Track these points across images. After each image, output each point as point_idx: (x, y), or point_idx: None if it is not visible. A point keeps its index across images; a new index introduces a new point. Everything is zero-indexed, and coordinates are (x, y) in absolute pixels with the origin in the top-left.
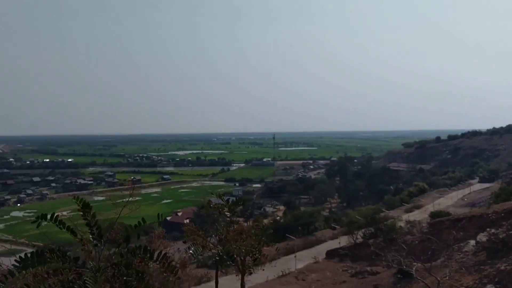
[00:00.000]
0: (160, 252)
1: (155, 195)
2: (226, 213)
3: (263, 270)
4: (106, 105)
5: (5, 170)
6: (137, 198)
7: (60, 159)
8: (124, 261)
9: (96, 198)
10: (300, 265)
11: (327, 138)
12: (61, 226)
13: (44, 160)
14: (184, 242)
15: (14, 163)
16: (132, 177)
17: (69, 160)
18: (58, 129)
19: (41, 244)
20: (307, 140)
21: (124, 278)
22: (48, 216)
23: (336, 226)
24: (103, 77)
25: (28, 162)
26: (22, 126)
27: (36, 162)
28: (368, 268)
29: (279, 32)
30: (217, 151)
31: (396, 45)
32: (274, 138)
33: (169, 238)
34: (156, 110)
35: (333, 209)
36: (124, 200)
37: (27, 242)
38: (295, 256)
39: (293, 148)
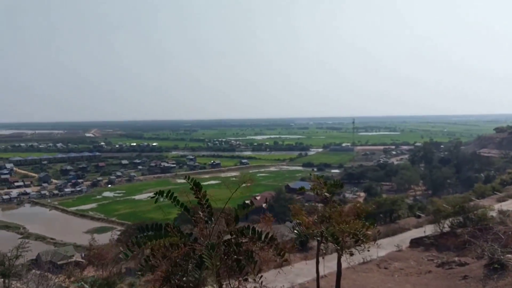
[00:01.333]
0: (268, 233)
1: (234, 179)
2: (325, 194)
3: (368, 251)
4: (188, 91)
5: (97, 153)
6: (217, 182)
7: (145, 143)
8: (235, 240)
9: (178, 181)
10: (382, 253)
11: (410, 123)
12: (175, 202)
13: (131, 144)
14: (291, 222)
15: (105, 146)
16: (212, 161)
17: (154, 144)
18: (143, 115)
19: (130, 223)
20: (389, 125)
21: (235, 256)
22: (165, 193)
23: (421, 214)
24: (185, 66)
25: (117, 146)
26: (111, 112)
27: (124, 146)
28: (456, 259)
29: (362, 15)
30: (294, 136)
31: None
32: (353, 122)
33: (247, 221)
34: (235, 95)
35: (417, 197)
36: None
37: (117, 220)
38: (377, 244)
39: (374, 133)
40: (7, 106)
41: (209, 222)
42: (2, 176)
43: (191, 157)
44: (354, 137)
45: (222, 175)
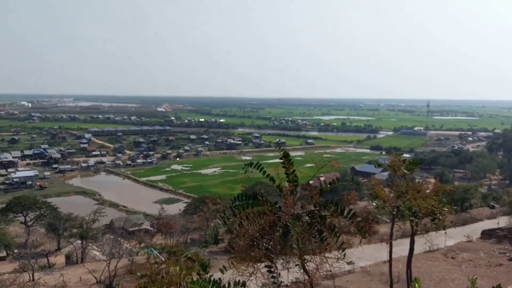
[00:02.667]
0: (350, 209)
1: (298, 158)
2: (404, 170)
3: (445, 233)
4: (256, 69)
5: (167, 127)
6: (282, 160)
7: (213, 120)
8: (318, 212)
9: (243, 158)
10: (450, 243)
11: (490, 108)
12: (263, 173)
13: (200, 119)
14: (370, 194)
15: (175, 121)
16: (277, 140)
17: (221, 120)
18: (212, 91)
19: (196, 196)
20: (466, 109)
21: (318, 227)
22: (254, 164)
23: (495, 205)
24: (254, 44)
25: (186, 121)
26: (182, 88)
27: (193, 121)
28: None
29: None
30: (363, 118)
31: None
32: (428, 105)
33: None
34: (303, 74)
35: (492, 186)
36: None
37: (184, 193)
38: (445, 233)
39: (449, 117)
40: (86, 78)
41: (294, 193)
42: (81, 145)
43: (256, 135)
44: (428, 121)
45: None
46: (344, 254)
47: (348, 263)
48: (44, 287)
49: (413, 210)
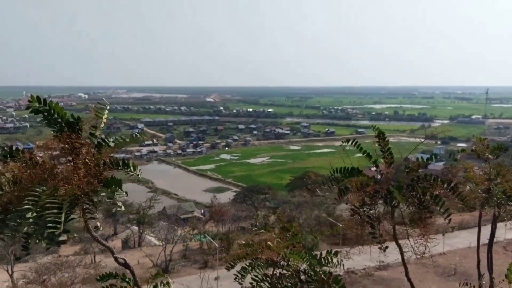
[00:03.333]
0: (451, 181)
1: (347, 148)
2: (489, 156)
3: (505, 225)
4: (305, 57)
5: (216, 117)
6: (331, 150)
7: (261, 109)
8: (417, 185)
9: (292, 147)
10: (510, 235)
11: None
12: (360, 149)
13: (248, 109)
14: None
15: (223, 111)
16: (327, 129)
17: (269, 110)
18: (260, 81)
19: (244, 185)
20: None
21: (420, 196)
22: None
23: None
24: (304, 32)
25: (234, 111)
26: (229, 78)
27: (241, 111)
28: None
29: None
30: (417, 106)
31: None
32: (487, 93)
33: None
34: (355, 61)
35: None
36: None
37: (233, 182)
38: (505, 225)
39: (510, 105)
40: (139, 71)
41: (389, 167)
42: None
43: (305, 124)
44: (486, 109)
45: (336, 143)
46: (450, 220)
47: (452, 228)
48: (105, 269)
49: (507, 193)
